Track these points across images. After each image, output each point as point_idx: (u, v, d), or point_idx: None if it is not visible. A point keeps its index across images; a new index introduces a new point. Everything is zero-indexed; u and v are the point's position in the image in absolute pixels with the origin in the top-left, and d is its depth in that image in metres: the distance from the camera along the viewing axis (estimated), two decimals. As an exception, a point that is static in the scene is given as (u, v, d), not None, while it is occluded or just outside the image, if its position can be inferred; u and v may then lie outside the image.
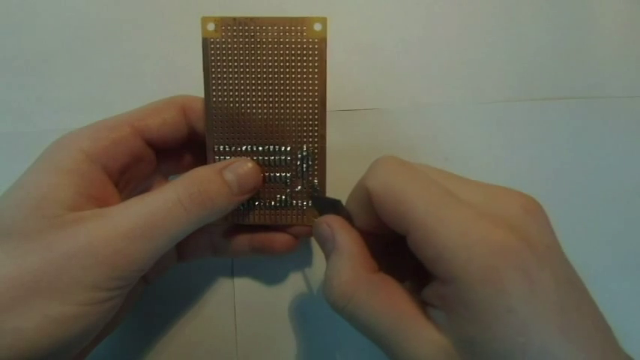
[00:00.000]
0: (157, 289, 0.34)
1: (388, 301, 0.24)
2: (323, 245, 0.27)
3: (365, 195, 0.25)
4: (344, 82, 0.35)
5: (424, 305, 0.24)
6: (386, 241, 0.26)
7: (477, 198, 0.23)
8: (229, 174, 0.28)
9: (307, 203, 0.30)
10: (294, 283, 0.35)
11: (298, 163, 0.30)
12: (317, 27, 0.28)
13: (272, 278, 0.35)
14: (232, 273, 0.35)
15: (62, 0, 0.36)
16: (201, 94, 0.30)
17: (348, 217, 0.27)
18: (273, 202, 0.30)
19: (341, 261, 0.25)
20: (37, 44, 0.36)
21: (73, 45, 0.36)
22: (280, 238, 0.31)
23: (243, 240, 0.32)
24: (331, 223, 0.27)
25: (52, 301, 0.22)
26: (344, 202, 0.28)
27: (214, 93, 0.29)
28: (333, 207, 0.28)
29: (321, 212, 0.29)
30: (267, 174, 0.30)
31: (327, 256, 0.26)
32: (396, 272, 0.26)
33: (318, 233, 0.27)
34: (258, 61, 0.28)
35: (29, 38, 0.36)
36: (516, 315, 0.20)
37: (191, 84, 0.31)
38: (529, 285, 0.20)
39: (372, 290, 0.24)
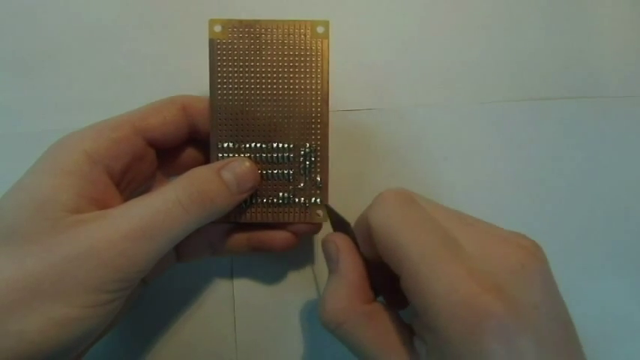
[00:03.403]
0: (157, 290, 0.35)
1: (374, 334, 0.26)
2: (327, 262, 0.29)
3: (367, 227, 0.26)
4: (344, 82, 0.35)
5: (412, 335, 0.25)
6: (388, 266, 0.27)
7: (476, 248, 0.24)
8: (227, 173, 0.29)
9: (309, 200, 0.31)
10: (293, 283, 0.36)
11: (301, 159, 0.31)
12: (320, 29, 0.30)
13: (271, 278, 0.36)
14: (232, 273, 0.36)
15: (62, 0, 0.36)
16: (202, 94, 0.31)
17: (355, 240, 0.29)
18: (275, 200, 0.31)
19: (339, 287, 0.27)
20: (37, 44, 0.37)
21: (73, 45, 0.37)
22: (279, 236, 0.32)
23: (241, 239, 0.33)
24: (339, 244, 0.28)
25: (54, 303, 0.23)
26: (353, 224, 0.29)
27: (219, 92, 0.30)
28: (343, 226, 0.29)
29: (333, 226, 0.30)
30: (269, 171, 0.31)
31: (329, 274, 0.28)
32: (396, 294, 0.27)
33: (325, 250, 0.29)
34: (263, 61, 0.30)
35: (29, 38, 0.36)
36: None
37: (191, 84, 0.32)
38: (508, 350, 0.21)
39: (361, 322, 0.26)
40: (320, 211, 0.31)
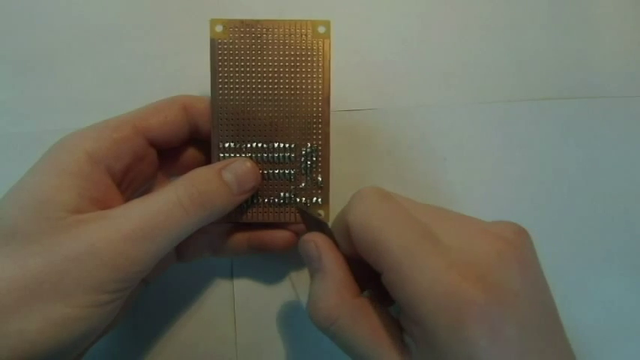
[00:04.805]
0: (157, 290, 0.35)
1: (368, 327, 0.26)
2: (308, 263, 0.28)
3: (345, 227, 0.26)
4: (344, 82, 0.35)
5: (401, 330, 0.26)
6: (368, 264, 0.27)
7: (455, 240, 0.24)
8: (228, 174, 0.29)
9: (311, 200, 0.32)
10: (294, 283, 0.35)
11: (302, 159, 0.31)
12: (321, 29, 0.30)
13: (271, 278, 0.36)
14: (232, 273, 0.36)
15: (62, 1, 0.36)
16: (202, 93, 0.31)
17: (333, 239, 0.28)
18: (276, 200, 0.31)
19: (326, 284, 0.27)
20: (37, 44, 0.37)
21: (73, 45, 0.37)
22: (280, 235, 0.32)
23: (241, 239, 0.33)
24: (319, 243, 0.28)
25: (54, 303, 0.23)
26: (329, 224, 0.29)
27: (221, 91, 0.30)
28: (319, 226, 0.29)
29: (308, 227, 0.30)
30: (271, 171, 0.31)
31: (312, 275, 0.28)
32: (379, 292, 0.27)
33: (304, 251, 0.28)
34: (264, 61, 0.30)
35: (29, 38, 0.36)
36: None
37: (192, 84, 0.32)
38: (492, 336, 0.22)
39: (354, 316, 0.26)
40: (321, 211, 0.31)
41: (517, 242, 0.25)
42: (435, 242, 0.24)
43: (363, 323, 0.26)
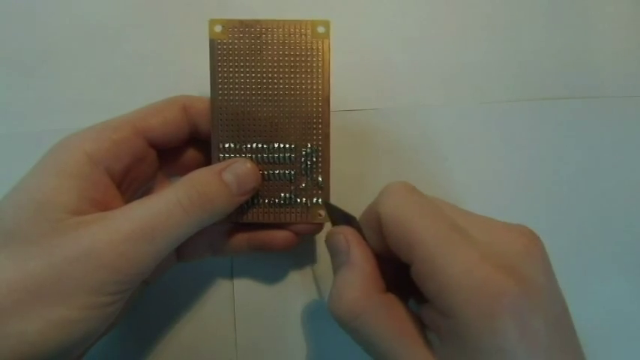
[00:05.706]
0: (157, 290, 0.35)
1: (391, 323, 0.26)
2: (334, 256, 0.28)
3: (376, 219, 0.26)
4: (344, 82, 0.35)
5: (423, 327, 0.26)
6: (395, 260, 0.27)
7: (482, 234, 0.25)
8: (228, 175, 0.29)
9: (311, 201, 0.31)
10: (294, 284, 0.36)
11: (302, 160, 0.31)
12: (320, 29, 0.30)
13: (272, 279, 0.36)
14: (232, 273, 0.36)
15: (63, 1, 0.36)
16: (202, 94, 0.31)
17: (361, 233, 0.28)
18: (277, 200, 0.31)
19: (353, 277, 0.27)
20: (37, 44, 0.37)
21: (73, 45, 0.37)
22: (280, 235, 0.32)
23: (241, 238, 0.33)
24: (348, 236, 0.28)
25: (54, 305, 0.23)
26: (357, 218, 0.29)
27: (220, 92, 0.30)
28: (347, 221, 0.29)
29: (334, 221, 0.30)
30: (271, 171, 0.31)
31: (337, 268, 0.28)
32: (402, 290, 0.27)
33: (332, 243, 0.28)
34: (264, 61, 0.30)
35: (29, 38, 0.36)
36: (505, 355, 0.22)
37: (192, 84, 0.32)
38: (522, 328, 0.22)
39: (378, 311, 0.26)
40: (322, 212, 0.31)
41: (537, 242, 0.25)
42: (465, 234, 0.24)
43: (386, 319, 0.26)
